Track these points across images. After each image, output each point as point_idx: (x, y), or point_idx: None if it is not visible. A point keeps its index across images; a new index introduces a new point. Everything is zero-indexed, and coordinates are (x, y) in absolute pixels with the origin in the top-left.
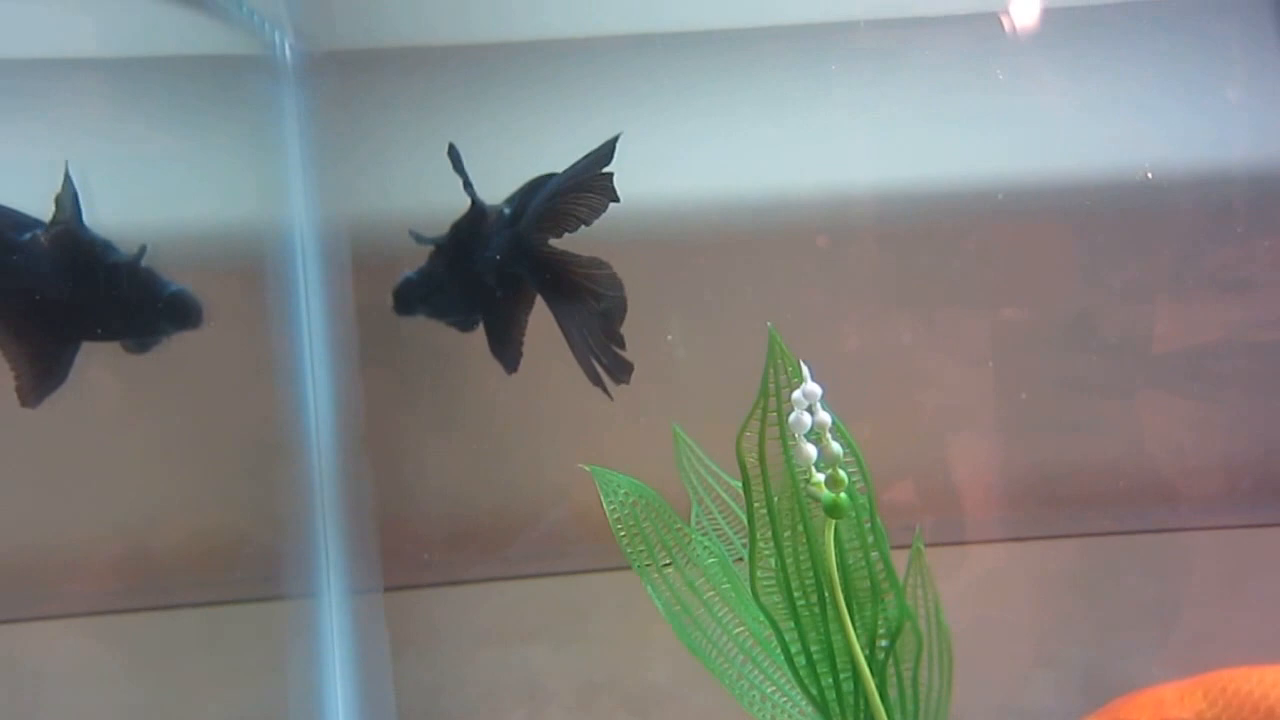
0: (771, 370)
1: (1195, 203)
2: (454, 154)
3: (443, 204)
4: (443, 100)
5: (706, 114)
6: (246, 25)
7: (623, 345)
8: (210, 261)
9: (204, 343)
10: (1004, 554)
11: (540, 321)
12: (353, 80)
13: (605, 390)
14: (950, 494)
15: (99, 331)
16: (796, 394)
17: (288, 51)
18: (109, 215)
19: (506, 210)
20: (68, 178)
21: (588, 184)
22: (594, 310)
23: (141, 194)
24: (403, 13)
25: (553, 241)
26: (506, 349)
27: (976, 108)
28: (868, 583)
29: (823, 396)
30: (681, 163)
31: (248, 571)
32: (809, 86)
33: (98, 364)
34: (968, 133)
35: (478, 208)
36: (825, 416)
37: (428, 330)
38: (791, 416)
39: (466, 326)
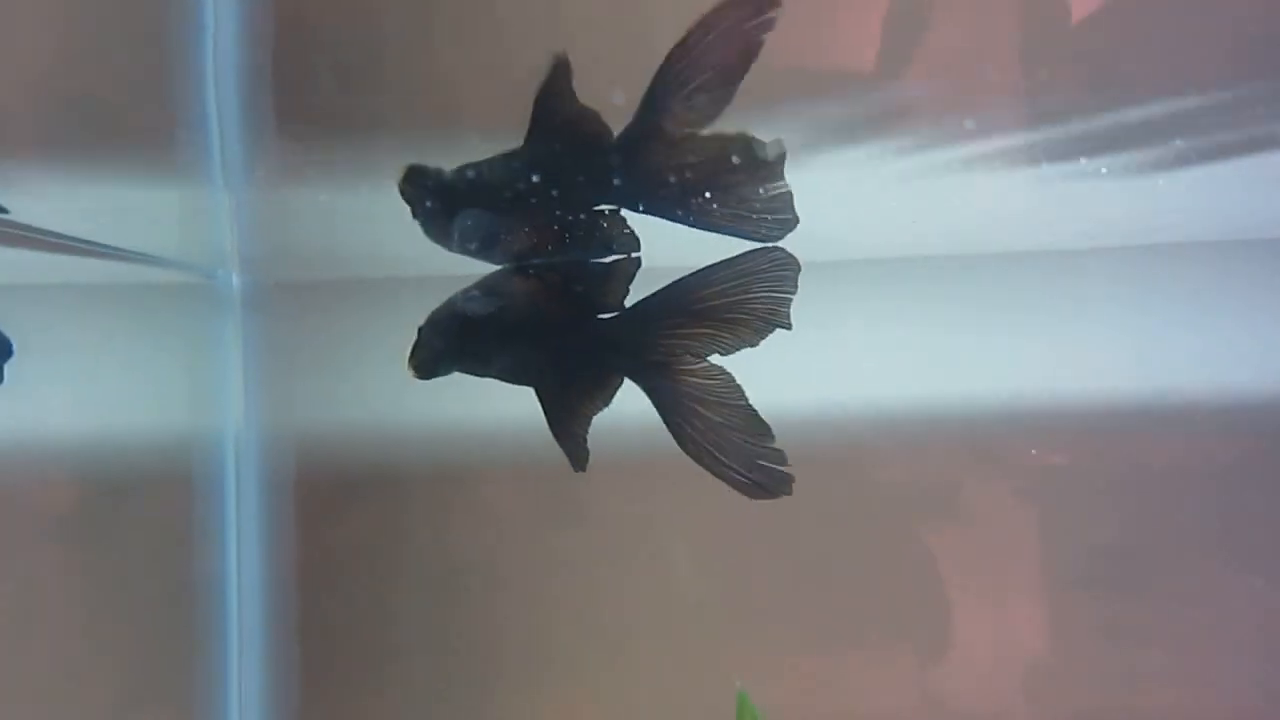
0: None
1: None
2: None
3: (395, 421)
4: (394, 325)
5: None
6: (190, 270)
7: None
8: (135, 472)
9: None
10: None
11: None
12: (301, 306)
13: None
14: None
15: None
16: None
17: (234, 282)
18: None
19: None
20: None
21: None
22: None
23: (68, 403)
24: (352, 249)
25: None
26: (572, 438)
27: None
28: None
29: None
30: None
31: None
32: None
33: None
34: (991, 355)
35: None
36: None
37: (377, 553)
38: None
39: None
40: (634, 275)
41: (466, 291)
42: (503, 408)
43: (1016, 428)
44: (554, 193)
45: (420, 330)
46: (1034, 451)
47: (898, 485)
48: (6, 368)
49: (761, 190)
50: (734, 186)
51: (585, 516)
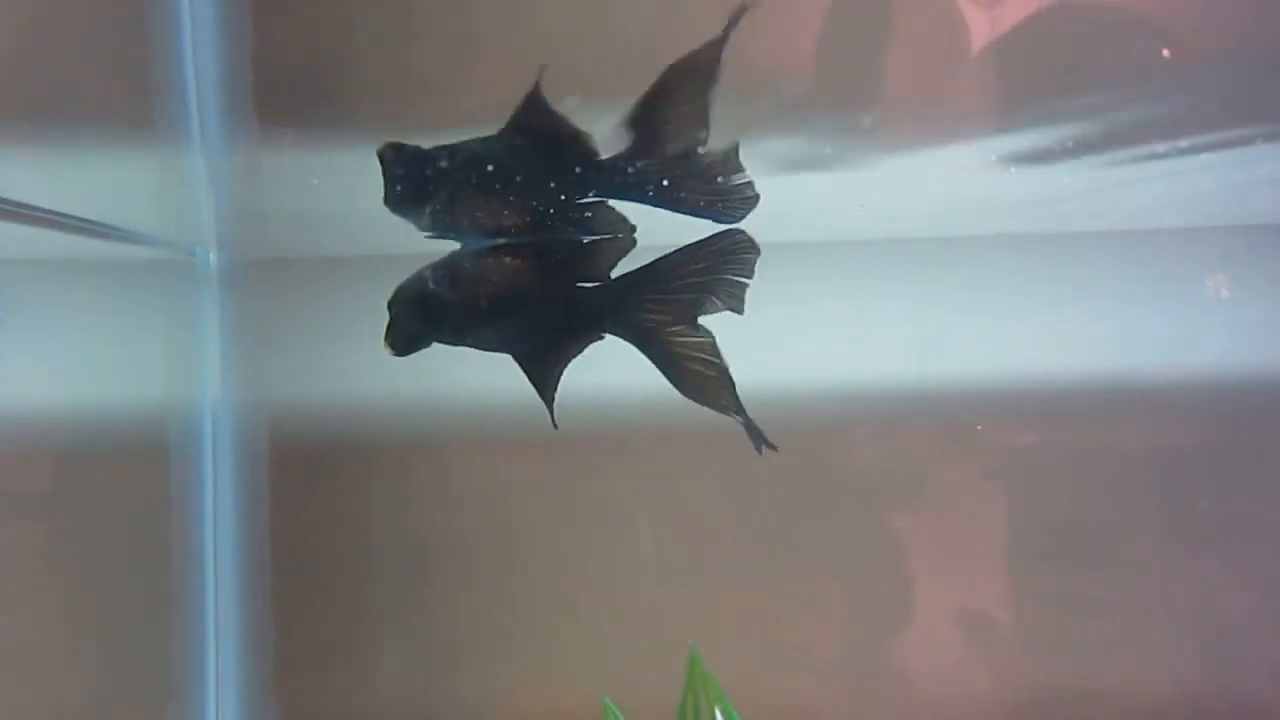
0: (691, 696)
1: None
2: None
3: (369, 396)
4: (369, 302)
5: None
6: (168, 247)
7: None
8: (113, 444)
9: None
10: None
11: None
12: (278, 283)
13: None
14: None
15: None
16: None
17: (211, 259)
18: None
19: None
20: None
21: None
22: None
23: (46, 376)
24: (329, 227)
25: None
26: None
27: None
28: None
29: None
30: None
31: None
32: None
33: None
34: (953, 336)
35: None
36: None
37: (350, 525)
38: None
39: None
40: (626, 252)
41: (437, 268)
42: (472, 384)
43: (980, 407)
44: (525, 179)
45: (392, 308)
46: (979, 428)
47: (863, 463)
48: None
49: (721, 179)
50: (696, 178)
51: (552, 489)
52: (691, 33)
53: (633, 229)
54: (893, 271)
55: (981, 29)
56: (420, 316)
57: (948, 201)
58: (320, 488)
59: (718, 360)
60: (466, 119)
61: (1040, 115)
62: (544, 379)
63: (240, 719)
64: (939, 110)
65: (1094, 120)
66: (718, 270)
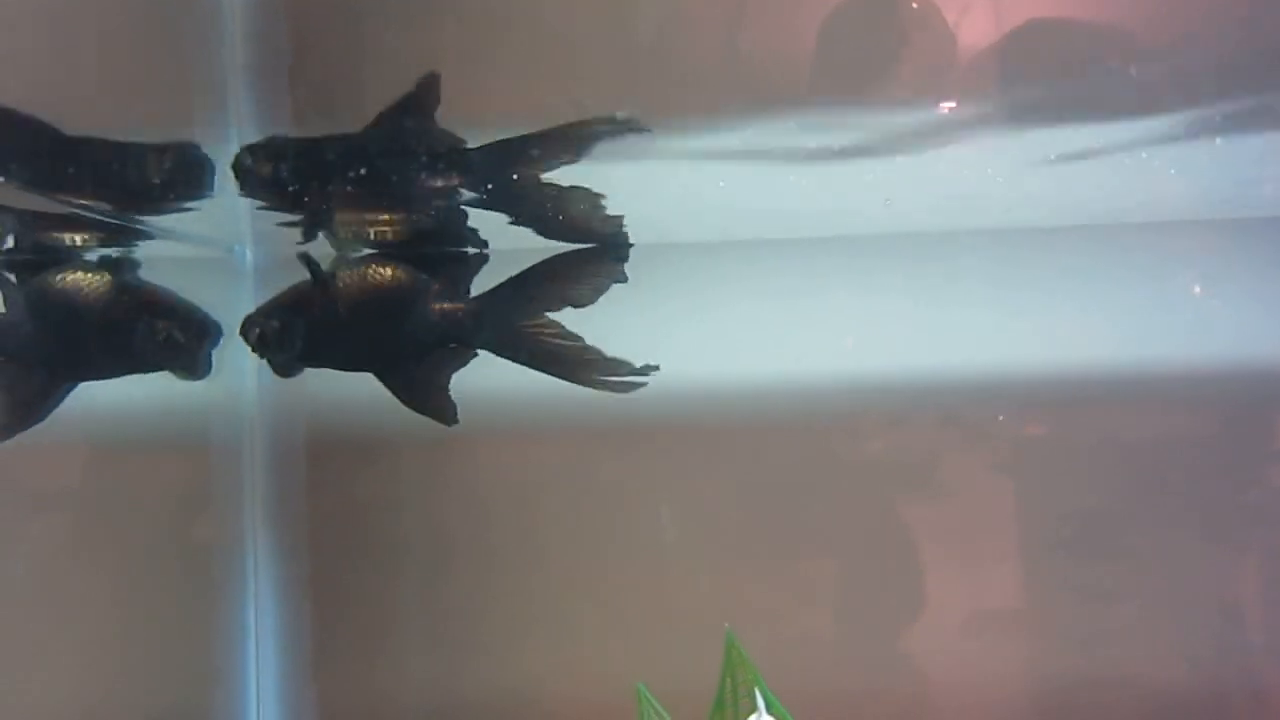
0: (729, 679)
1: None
2: None
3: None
4: None
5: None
6: (208, 245)
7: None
8: (158, 439)
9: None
10: None
11: None
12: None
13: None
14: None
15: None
16: None
17: (248, 256)
18: None
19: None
20: None
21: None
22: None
23: None
24: None
25: None
26: (438, 401)
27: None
28: None
29: None
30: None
31: None
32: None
33: None
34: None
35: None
36: None
37: (384, 516)
38: None
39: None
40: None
41: (298, 299)
42: (499, 378)
43: (994, 399)
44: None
45: (262, 344)
46: (1001, 418)
47: (879, 454)
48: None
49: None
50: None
51: (578, 479)
52: (702, 34)
53: (484, 243)
54: (903, 265)
55: (989, 20)
56: (299, 343)
57: (957, 196)
58: (354, 480)
59: (577, 340)
60: (493, 118)
61: (1050, 110)
62: (416, 392)
63: (280, 705)
64: (950, 104)
65: (1103, 114)
66: (586, 278)
